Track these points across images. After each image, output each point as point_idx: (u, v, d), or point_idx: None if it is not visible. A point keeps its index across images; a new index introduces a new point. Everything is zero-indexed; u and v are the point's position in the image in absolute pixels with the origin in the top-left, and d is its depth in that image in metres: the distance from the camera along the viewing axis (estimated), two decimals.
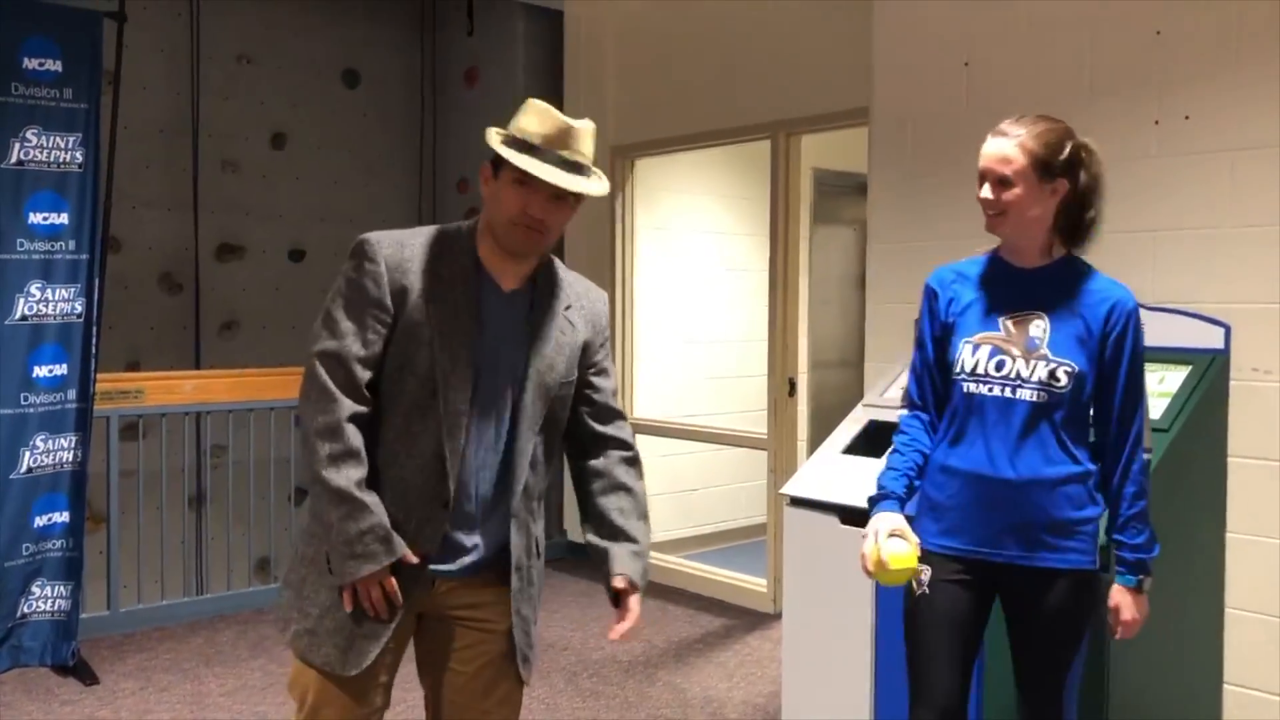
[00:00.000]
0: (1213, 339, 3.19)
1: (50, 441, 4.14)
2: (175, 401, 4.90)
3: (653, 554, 6.30)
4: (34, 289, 4.04)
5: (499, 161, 1.97)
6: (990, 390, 2.25)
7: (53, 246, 4.08)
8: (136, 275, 5.84)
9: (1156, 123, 3.36)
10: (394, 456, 1.99)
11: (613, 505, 2.13)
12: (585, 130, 1.99)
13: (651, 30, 5.59)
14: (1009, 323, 2.27)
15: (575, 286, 2.15)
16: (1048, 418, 2.23)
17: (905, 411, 2.44)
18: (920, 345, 2.40)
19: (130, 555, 4.78)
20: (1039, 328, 2.25)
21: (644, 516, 2.16)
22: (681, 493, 6.23)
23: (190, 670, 4.23)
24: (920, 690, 2.33)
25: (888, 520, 2.26)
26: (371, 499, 1.93)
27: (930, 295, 2.39)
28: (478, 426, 2.00)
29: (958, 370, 2.29)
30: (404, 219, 6.29)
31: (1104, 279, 2.30)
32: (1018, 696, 2.37)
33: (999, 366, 2.25)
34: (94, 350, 4.20)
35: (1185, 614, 3.14)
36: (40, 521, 4.13)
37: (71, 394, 4.18)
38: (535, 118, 1.97)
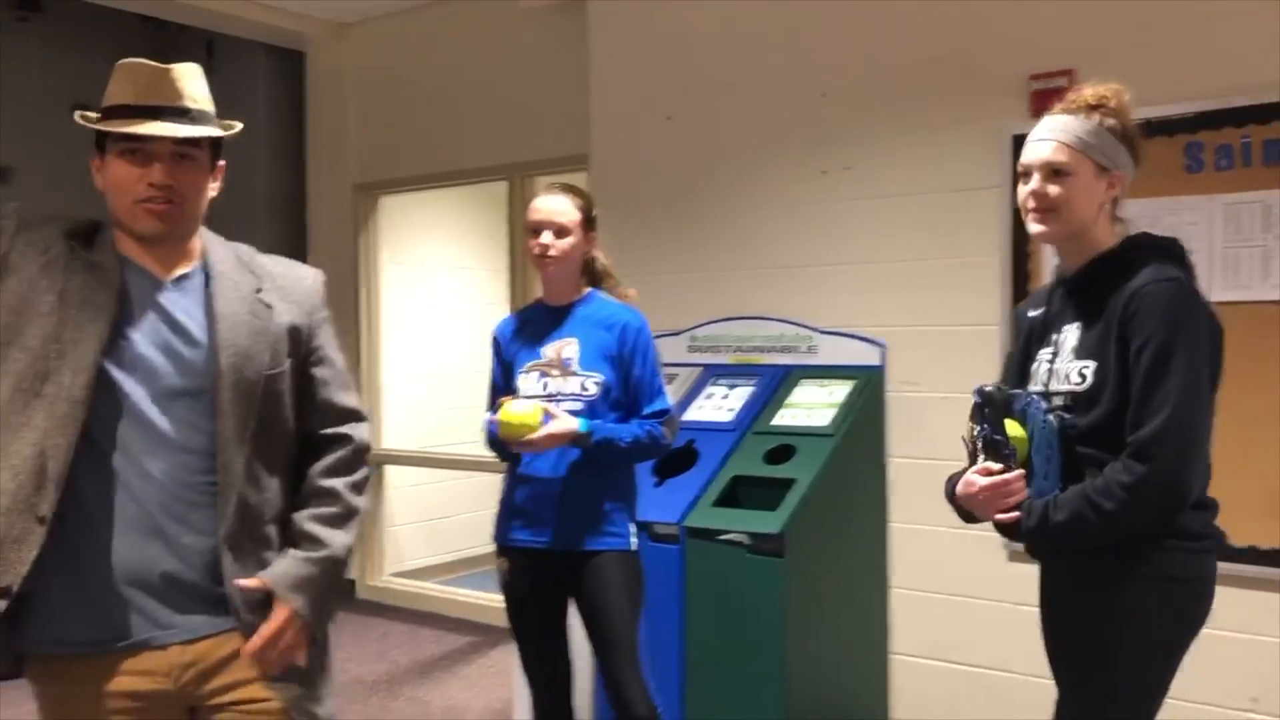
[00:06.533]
0: (871, 357, 3.73)
1: None
2: None
3: (403, 582, 6.26)
4: None
5: (101, 142, 1.72)
6: None
7: None
8: None
9: (824, 172, 3.90)
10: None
11: (307, 511, 1.80)
12: (183, 71, 1.73)
13: (392, 76, 5.81)
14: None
15: (267, 266, 1.87)
16: None
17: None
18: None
19: None
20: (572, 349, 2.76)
21: (338, 520, 1.81)
22: (430, 521, 6.42)
23: None
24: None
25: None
26: None
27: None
28: (143, 434, 1.67)
29: None
30: None
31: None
32: None
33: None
34: None
35: (855, 595, 3.64)
36: None
37: None
38: (122, 78, 1.71)
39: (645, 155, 4.35)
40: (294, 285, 1.86)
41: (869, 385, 3.66)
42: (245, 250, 1.87)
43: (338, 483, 1.83)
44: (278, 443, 1.80)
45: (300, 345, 1.83)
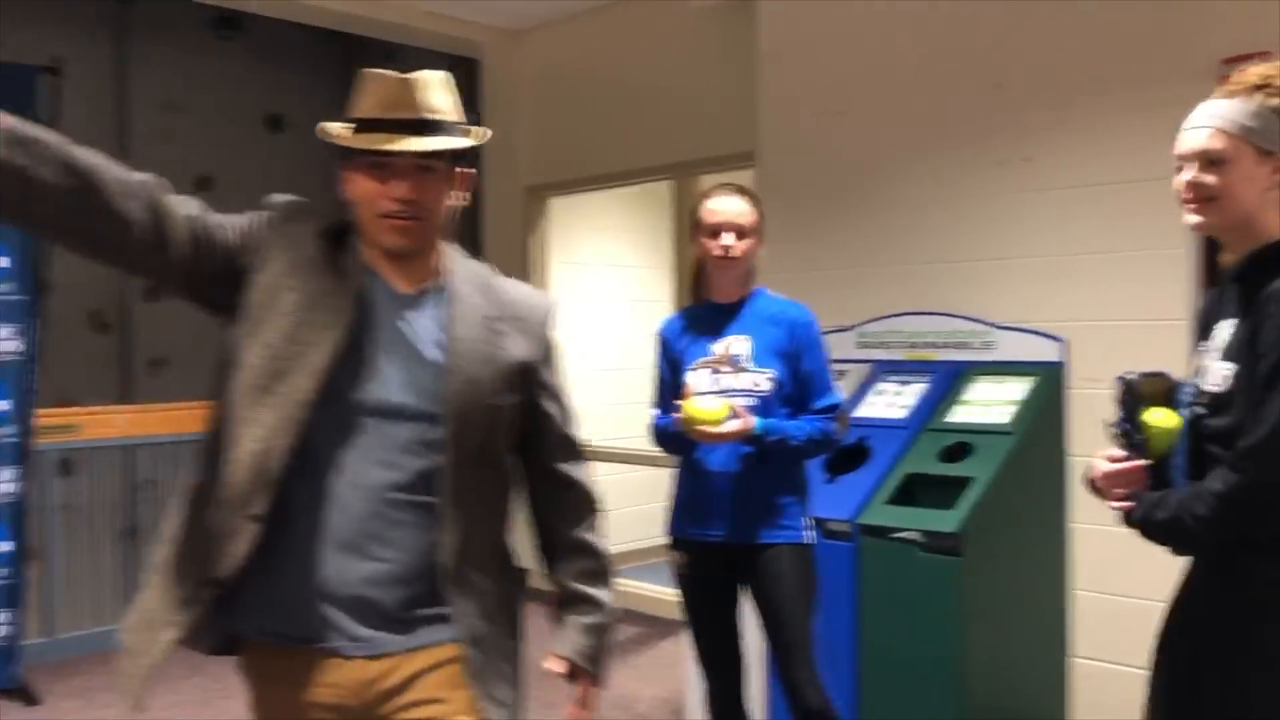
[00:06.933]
0: (1051, 353, 3.64)
1: None
2: (108, 435, 5.12)
3: None
4: None
5: (348, 154, 1.69)
6: None
7: None
8: (65, 315, 6.01)
9: (1000, 164, 3.81)
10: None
11: (569, 568, 1.85)
12: (426, 80, 1.69)
13: (562, 80, 5.97)
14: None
15: (505, 290, 1.81)
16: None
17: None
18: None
19: (58, 586, 4.97)
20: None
21: (600, 575, 1.85)
22: (604, 513, 6.56)
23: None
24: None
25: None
26: None
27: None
28: (360, 447, 1.64)
29: None
30: None
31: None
32: None
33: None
34: (33, 386, 4.41)
35: (1034, 597, 3.56)
36: None
37: (11, 429, 4.38)
38: (367, 91, 1.68)
39: (815, 150, 4.35)
40: (528, 313, 1.81)
41: (1048, 382, 3.57)
42: (484, 270, 1.82)
43: (589, 535, 1.86)
44: (497, 472, 1.77)
45: (528, 379, 1.78)
